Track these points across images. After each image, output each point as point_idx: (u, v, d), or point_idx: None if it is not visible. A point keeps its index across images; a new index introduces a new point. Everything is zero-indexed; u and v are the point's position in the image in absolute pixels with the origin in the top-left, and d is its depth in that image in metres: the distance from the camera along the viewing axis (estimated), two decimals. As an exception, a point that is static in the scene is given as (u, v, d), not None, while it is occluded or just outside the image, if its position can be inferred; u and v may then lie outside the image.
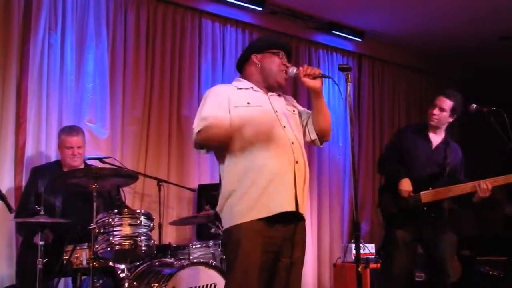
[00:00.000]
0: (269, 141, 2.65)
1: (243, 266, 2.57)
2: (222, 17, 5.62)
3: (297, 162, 2.68)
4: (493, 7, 5.79)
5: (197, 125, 2.69)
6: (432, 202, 3.83)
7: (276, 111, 2.77)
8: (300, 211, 2.66)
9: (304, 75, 2.72)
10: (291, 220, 2.68)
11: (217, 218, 4.07)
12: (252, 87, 2.81)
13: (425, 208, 3.82)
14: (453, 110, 3.95)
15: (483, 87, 7.46)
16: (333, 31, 6.33)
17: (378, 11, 6.04)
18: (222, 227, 2.74)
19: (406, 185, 3.83)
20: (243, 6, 5.57)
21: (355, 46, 6.71)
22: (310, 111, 2.90)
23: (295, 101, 3.00)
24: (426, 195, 3.83)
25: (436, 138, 4.03)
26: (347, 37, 6.48)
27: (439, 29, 6.42)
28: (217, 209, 2.75)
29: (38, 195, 3.81)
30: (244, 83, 2.84)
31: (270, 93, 2.84)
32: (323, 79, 2.76)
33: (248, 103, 2.72)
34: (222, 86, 2.92)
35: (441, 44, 6.87)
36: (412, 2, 5.76)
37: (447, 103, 3.94)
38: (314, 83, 2.74)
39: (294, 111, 2.89)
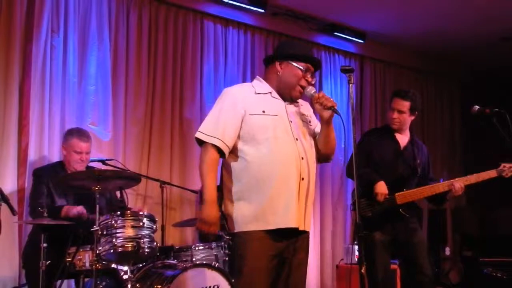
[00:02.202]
0: (279, 154, 2.64)
1: (250, 271, 2.59)
2: (224, 18, 5.63)
3: (302, 179, 2.66)
4: (493, 8, 5.79)
5: (209, 131, 2.66)
6: (406, 203, 3.80)
7: (291, 121, 2.74)
8: (300, 228, 2.66)
9: (316, 102, 2.71)
10: (293, 234, 2.69)
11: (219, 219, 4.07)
12: (270, 93, 2.77)
13: (400, 210, 3.78)
14: (412, 110, 3.91)
15: (484, 87, 7.47)
16: (335, 33, 6.32)
17: (379, 13, 6.04)
18: (229, 228, 2.75)
19: (382, 188, 3.75)
20: (245, 8, 5.58)
21: (357, 48, 6.70)
22: (318, 131, 2.87)
23: (312, 111, 2.93)
24: (401, 197, 3.78)
25: (403, 139, 3.97)
26: (349, 39, 6.48)
27: (440, 30, 6.42)
28: (224, 210, 2.75)
29: (45, 196, 3.81)
30: (264, 87, 2.79)
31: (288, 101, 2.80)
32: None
33: (263, 111, 2.68)
34: (240, 89, 2.81)
35: (442, 45, 6.88)
36: (413, 3, 5.76)
37: (405, 105, 3.89)
38: (324, 112, 2.72)
39: (310, 122, 2.86)
